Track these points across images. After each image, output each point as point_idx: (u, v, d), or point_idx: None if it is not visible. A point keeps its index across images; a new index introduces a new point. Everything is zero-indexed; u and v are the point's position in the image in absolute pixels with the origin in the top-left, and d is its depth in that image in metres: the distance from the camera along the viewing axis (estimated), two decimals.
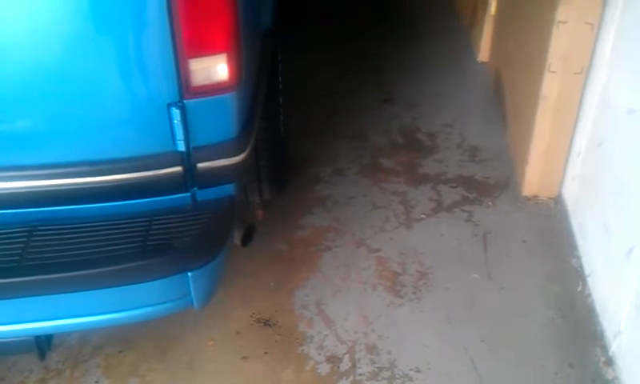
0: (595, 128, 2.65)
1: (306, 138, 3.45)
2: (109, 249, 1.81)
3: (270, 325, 2.50)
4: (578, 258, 2.71)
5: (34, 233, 1.86)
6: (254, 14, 2.16)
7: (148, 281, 1.85)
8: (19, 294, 1.80)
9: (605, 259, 2.48)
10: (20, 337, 1.91)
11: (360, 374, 2.32)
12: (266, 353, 2.40)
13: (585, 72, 2.69)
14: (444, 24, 4.70)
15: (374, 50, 4.35)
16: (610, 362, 2.31)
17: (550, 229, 2.90)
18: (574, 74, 2.71)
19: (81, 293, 1.83)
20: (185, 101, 1.74)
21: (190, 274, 1.89)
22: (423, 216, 2.99)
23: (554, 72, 2.72)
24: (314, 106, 3.72)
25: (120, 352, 2.40)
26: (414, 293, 2.61)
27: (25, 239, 1.84)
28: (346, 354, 2.39)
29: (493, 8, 3.91)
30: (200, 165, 1.85)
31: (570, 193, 2.91)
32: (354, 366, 2.35)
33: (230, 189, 2.00)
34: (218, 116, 1.83)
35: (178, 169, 1.83)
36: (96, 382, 2.30)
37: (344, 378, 2.31)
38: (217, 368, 2.35)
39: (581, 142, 2.78)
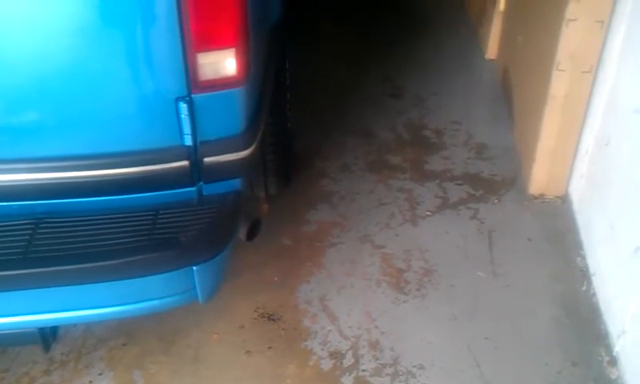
0: (603, 127, 2.64)
1: (312, 133, 3.44)
2: (115, 242, 1.82)
3: (273, 319, 2.50)
4: (584, 257, 2.71)
5: (40, 225, 1.86)
6: (261, 8, 2.15)
7: (153, 274, 1.85)
8: (24, 285, 1.80)
9: (610, 258, 2.47)
10: (25, 328, 1.92)
11: (363, 370, 2.32)
12: (269, 347, 2.40)
13: (594, 71, 2.68)
14: (452, 20, 4.68)
15: (381, 46, 4.33)
16: (613, 361, 2.31)
17: (556, 227, 2.90)
18: (583, 72, 2.69)
19: (86, 285, 1.84)
20: (192, 95, 1.74)
21: (195, 267, 1.89)
22: (429, 213, 2.99)
23: (562, 70, 2.70)
24: (320, 101, 3.72)
25: (124, 345, 2.40)
26: (418, 290, 2.61)
27: (30, 231, 1.84)
28: (349, 349, 2.39)
29: (502, 5, 3.89)
30: (207, 159, 1.85)
31: (577, 191, 2.90)
32: (357, 362, 2.35)
33: (236, 183, 2.00)
34: (225, 111, 1.83)
35: (185, 163, 1.82)
36: (100, 374, 2.31)
37: (347, 373, 2.31)
38: (220, 362, 2.36)
39: (588, 141, 2.77)
